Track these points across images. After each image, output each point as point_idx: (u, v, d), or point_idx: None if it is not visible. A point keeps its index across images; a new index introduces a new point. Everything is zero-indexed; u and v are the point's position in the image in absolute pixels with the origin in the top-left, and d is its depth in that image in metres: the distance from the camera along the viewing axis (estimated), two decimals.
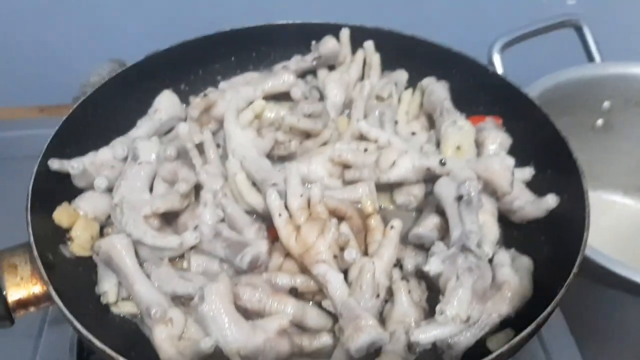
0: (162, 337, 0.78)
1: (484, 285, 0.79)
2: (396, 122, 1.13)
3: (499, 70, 1.31)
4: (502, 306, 0.80)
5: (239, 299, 0.81)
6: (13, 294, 0.78)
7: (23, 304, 0.78)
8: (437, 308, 0.75)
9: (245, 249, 0.84)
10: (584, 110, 1.38)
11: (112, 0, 1.56)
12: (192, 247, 0.90)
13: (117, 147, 0.97)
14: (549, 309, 0.75)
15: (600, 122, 1.40)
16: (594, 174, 1.21)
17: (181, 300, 0.86)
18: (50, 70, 1.67)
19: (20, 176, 0.91)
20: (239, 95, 1.07)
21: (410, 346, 0.76)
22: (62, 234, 0.91)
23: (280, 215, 0.86)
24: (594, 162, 1.33)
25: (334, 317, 0.83)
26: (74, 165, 0.92)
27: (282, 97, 1.14)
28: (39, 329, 0.93)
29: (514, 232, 0.98)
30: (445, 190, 0.89)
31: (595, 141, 1.42)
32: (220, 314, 0.76)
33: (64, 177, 0.95)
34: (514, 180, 0.92)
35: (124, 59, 1.44)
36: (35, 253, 0.78)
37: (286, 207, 0.87)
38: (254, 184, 0.97)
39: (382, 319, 0.83)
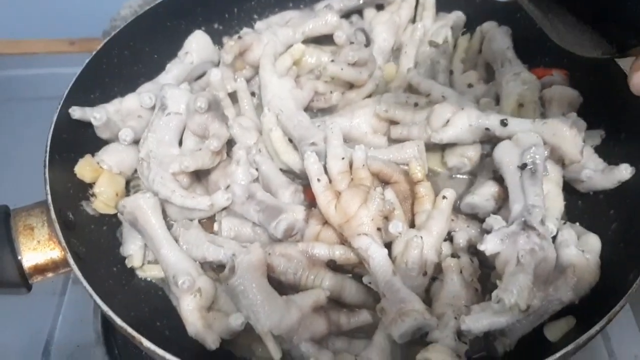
0: (189, 308, 0.73)
1: (547, 269, 0.70)
2: (451, 72, 1.01)
3: None
4: (565, 292, 0.71)
5: (272, 270, 0.74)
6: (29, 259, 0.73)
7: (40, 269, 0.73)
8: (494, 295, 0.66)
9: (280, 215, 0.77)
10: None
11: None
12: (224, 209, 0.83)
13: (144, 94, 0.89)
14: (622, 302, 0.66)
15: None
16: None
17: (211, 266, 0.80)
18: (81, 2, 1.58)
19: (47, 119, 0.84)
20: (276, 38, 0.97)
21: (460, 333, 0.69)
22: (85, 190, 0.85)
23: (319, 180, 0.77)
24: None
25: (374, 292, 0.75)
26: (96, 116, 0.85)
27: (323, 39, 1.03)
28: (62, 287, 0.89)
29: (579, 203, 0.88)
30: (507, 156, 0.79)
31: None
32: (252, 289, 0.69)
33: (87, 126, 0.88)
34: (584, 146, 0.81)
35: None
36: (53, 215, 0.72)
37: (325, 170, 0.79)
38: (290, 140, 0.88)
39: (428, 298, 0.75)
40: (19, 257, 0.73)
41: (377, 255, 0.72)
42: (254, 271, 0.70)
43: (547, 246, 0.71)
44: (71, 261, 0.70)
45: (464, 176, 0.92)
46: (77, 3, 1.57)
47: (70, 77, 0.90)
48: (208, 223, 0.85)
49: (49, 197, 0.74)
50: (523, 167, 0.77)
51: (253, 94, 0.98)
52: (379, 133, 0.92)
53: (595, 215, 0.85)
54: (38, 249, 0.73)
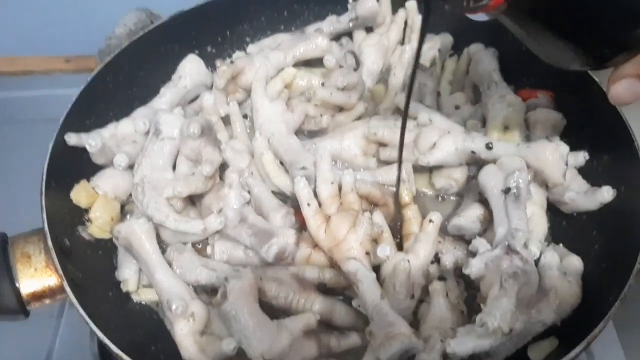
0: (183, 333, 0.75)
1: (530, 292, 0.72)
2: (438, 94, 1.04)
3: None
4: (547, 314, 0.73)
5: (264, 295, 0.76)
6: (27, 287, 0.75)
7: (38, 296, 0.75)
8: (477, 318, 0.69)
9: (271, 239, 0.79)
10: None
11: None
12: (217, 232, 0.85)
13: (139, 119, 0.91)
14: (601, 325, 0.69)
15: None
16: None
17: (204, 289, 0.82)
18: (77, 19, 1.59)
19: (43, 142, 0.86)
20: (268, 62, 0.99)
21: (446, 355, 0.71)
22: (80, 215, 0.87)
23: (309, 204, 0.80)
24: None
25: (364, 314, 0.77)
26: (91, 143, 0.86)
27: (314, 62, 1.05)
28: (59, 310, 0.91)
29: (563, 223, 0.90)
30: (491, 180, 0.81)
31: None
32: (244, 314, 0.71)
33: (83, 152, 0.89)
34: (567, 169, 0.84)
35: (151, 8, 1.36)
36: (50, 244, 0.74)
37: (315, 194, 0.81)
38: (282, 163, 0.90)
39: (416, 320, 0.77)
40: (17, 285, 0.74)
41: (365, 280, 0.74)
42: (245, 296, 0.72)
43: (530, 269, 0.73)
44: (67, 289, 0.72)
45: (452, 197, 0.93)
46: (73, 21, 1.58)
47: (66, 98, 0.91)
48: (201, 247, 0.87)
49: (46, 225, 0.76)
50: (507, 191, 0.79)
51: (245, 116, 1.00)
52: (368, 155, 0.93)
53: (579, 236, 0.87)
54: (35, 276, 0.75)
